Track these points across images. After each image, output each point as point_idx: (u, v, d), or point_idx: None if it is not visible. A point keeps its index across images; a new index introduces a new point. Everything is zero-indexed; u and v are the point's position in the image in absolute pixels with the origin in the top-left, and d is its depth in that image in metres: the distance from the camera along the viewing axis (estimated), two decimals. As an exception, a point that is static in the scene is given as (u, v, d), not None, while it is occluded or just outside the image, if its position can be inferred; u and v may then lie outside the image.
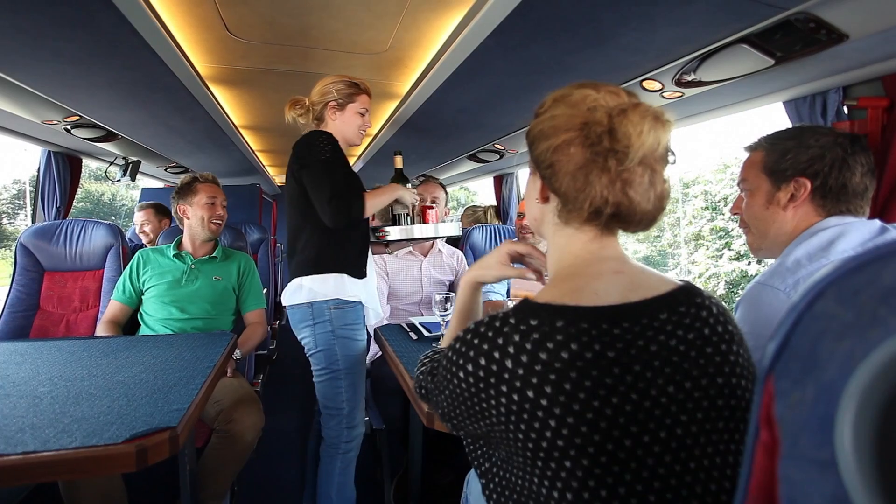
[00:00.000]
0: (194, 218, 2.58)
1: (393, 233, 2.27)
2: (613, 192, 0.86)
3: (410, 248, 2.91)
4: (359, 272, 2.13)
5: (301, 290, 2.07)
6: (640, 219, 0.89)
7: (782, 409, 0.41)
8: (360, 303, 2.13)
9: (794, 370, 0.40)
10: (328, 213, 1.94)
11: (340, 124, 2.15)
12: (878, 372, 0.32)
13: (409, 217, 2.32)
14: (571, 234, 0.94)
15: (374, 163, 4.69)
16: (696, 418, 0.82)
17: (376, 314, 2.25)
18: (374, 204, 2.06)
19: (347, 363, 2.10)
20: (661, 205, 0.89)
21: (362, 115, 2.17)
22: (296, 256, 2.12)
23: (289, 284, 2.13)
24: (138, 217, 3.97)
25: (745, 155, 1.45)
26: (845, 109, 1.68)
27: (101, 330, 2.45)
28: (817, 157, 1.29)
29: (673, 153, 0.89)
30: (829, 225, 1.27)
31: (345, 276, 2.08)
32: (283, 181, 2.31)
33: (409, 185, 2.24)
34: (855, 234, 1.23)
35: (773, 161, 1.35)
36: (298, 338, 2.16)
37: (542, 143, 0.91)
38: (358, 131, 2.18)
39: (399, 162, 2.31)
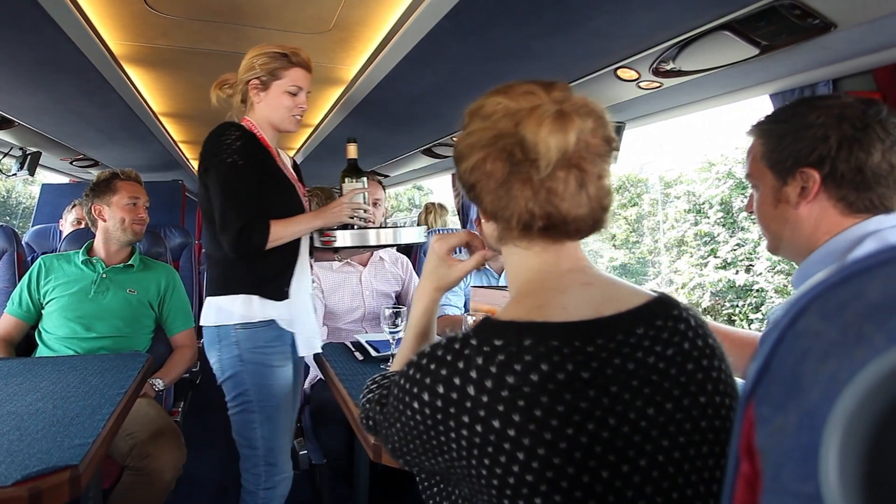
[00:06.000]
0: (112, 220, 2.51)
1: (342, 238, 2.06)
2: (539, 204, 0.87)
3: (348, 259, 2.81)
4: (275, 293, 2.00)
5: (210, 311, 2.00)
6: (576, 227, 0.89)
7: (764, 438, 0.41)
8: (275, 321, 2.00)
9: (775, 394, 0.40)
10: (224, 241, 1.86)
11: (265, 107, 1.99)
12: (864, 396, 0.32)
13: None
14: (522, 252, 0.95)
15: (315, 158, 4.62)
16: (678, 443, 0.82)
17: (308, 344, 2.11)
18: (284, 235, 1.92)
19: (260, 393, 1.99)
20: (599, 205, 0.89)
21: (293, 94, 1.97)
22: (208, 271, 2.06)
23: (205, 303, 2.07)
24: (74, 215, 3.78)
25: (737, 151, 1.40)
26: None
27: (-11, 350, 2.35)
28: (820, 139, 1.15)
29: (612, 145, 0.90)
30: (867, 230, 1.14)
31: (254, 297, 1.97)
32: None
33: (364, 180, 2.09)
34: None
35: (771, 150, 1.23)
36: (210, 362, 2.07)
37: (461, 165, 0.94)
38: (289, 115, 2.00)
39: (353, 151, 2.13)
